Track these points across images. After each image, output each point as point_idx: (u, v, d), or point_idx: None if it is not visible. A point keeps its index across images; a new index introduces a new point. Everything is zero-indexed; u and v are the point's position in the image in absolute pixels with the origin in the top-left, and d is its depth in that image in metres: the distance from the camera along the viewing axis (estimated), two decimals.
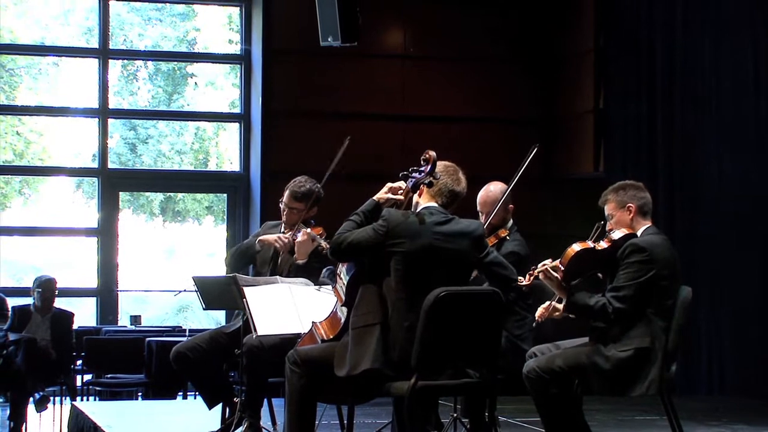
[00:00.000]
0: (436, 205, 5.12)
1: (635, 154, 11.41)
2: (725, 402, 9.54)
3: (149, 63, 13.70)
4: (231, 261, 6.57)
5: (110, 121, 12.89)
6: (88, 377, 10.92)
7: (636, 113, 11.42)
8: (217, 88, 13.71)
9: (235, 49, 13.28)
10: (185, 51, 13.68)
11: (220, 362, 6.49)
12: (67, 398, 10.44)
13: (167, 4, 13.57)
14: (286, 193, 6.56)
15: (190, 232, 14.14)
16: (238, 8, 13.10)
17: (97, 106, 12.71)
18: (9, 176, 13.42)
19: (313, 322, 5.43)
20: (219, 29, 13.67)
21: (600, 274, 5.54)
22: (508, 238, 6.29)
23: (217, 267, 12.96)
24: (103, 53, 12.73)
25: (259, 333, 5.83)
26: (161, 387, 10.42)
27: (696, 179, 10.61)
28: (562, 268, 5.30)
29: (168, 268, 14.17)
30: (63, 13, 13.33)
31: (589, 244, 5.37)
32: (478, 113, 12.85)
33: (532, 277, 5.47)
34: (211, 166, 13.88)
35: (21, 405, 10.19)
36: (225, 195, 13.30)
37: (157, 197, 13.97)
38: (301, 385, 5.04)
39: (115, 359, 10.75)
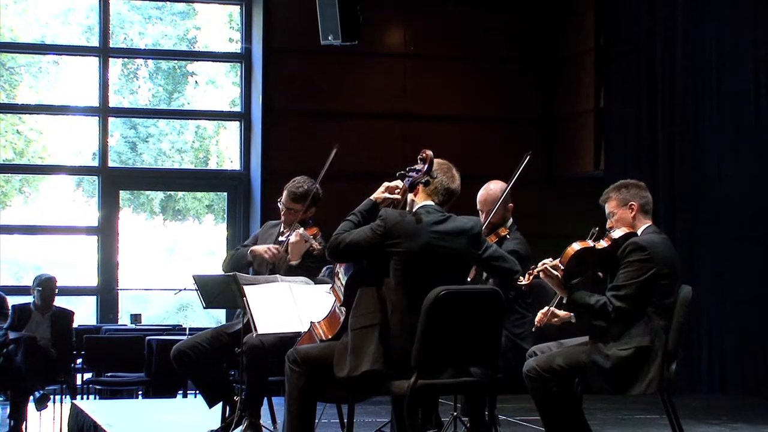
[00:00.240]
0: (432, 203, 5.11)
1: (635, 153, 11.42)
2: (725, 401, 9.53)
3: (149, 61, 13.70)
4: (227, 268, 6.57)
5: (110, 119, 12.90)
6: (88, 376, 10.93)
7: (636, 113, 11.43)
8: (218, 86, 13.71)
9: (236, 47, 13.28)
10: (186, 49, 13.68)
11: (221, 361, 6.49)
12: (67, 397, 10.45)
13: (167, 2, 13.57)
14: (285, 194, 6.56)
15: (191, 231, 14.14)
16: (239, 7, 13.11)
17: (98, 105, 12.72)
18: (9, 175, 13.42)
19: (311, 322, 5.43)
20: (219, 28, 13.67)
21: (600, 273, 5.53)
22: (508, 236, 6.30)
23: (217, 266, 12.97)
24: (104, 52, 12.74)
25: (260, 332, 5.84)
26: (161, 386, 10.43)
27: (696, 178, 10.60)
28: (562, 267, 5.30)
29: (168, 267, 14.17)
30: (63, 12, 13.33)
31: (589, 243, 5.38)
32: (479, 112, 12.86)
33: (531, 277, 5.47)
34: (212, 165, 13.88)
35: (21, 403, 10.20)
36: (225, 193, 13.31)
37: (158, 196, 13.98)
38: (301, 384, 5.04)
39: (115, 358, 10.76)
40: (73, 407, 8.37)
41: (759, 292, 9.79)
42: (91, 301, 12.73)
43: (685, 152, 10.78)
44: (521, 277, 5.55)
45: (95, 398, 10.86)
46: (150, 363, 10.56)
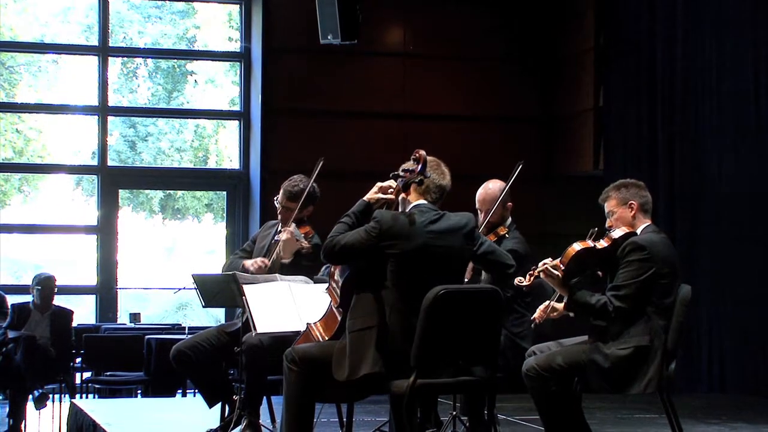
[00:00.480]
0: (425, 202, 5.10)
1: (635, 152, 11.42)
2: (725, 400, 9.53)
3: (149, 60, 13.70)
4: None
5: (110, 118, 12.89)
6: (87, 375, 10.94)
7: (636, 112, 11.43)
8: (217, 85, 13.71)
9: (235, 46, 13.28)
10: (185, 48, 13.68)
11: (221, 361, 6.49)
12: (67, 396, 10.45)
13: (167, 1, 13.57)
14: (281, 193, 6.57)
15: (190, 230, 14.14)
16: (238, 6, 13.10)
17: (97, 104, 12.71)
18: (8, 174, 13.43)
19: (307, 323, 5.42)
20: (219, 27, 13.67)
21: (600, 273, 5.53)
22: (507, 236, 6.29)
23: (216, 265, 12.98)
24: (103, 51, 12.73)
25: (259, 331, 5.83)
26: (160, 385, 10.42)
27: (696, 178, 10.60)
28: (563, 267, 5.30)
29: (167, 266, 14.18)
30: (63, 11, 13.33)
31: (590, 243, 5.37)
32: (478, 112, 12.86)
33: (532, 277, 5.47)
34: (211, 164, 13.88)
35: (20, 402, 10.20)
36: (224, 192, 13.31)
37: (157, 195, 13.98)
38: (299, 384, 5.02)
39: (115, 357, 10.76)
40: (72, 406, 8.36)
41: (759, 292, 9.78)
42: (90, 300, 12.73)
43: (684, 152, 10.78)
44: (522, 278, 5.54)
45: (94, 397, 10.85)
46: (149, 362, 10.56)
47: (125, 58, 13.53)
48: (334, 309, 5.25)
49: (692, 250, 10.23)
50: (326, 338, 5.21)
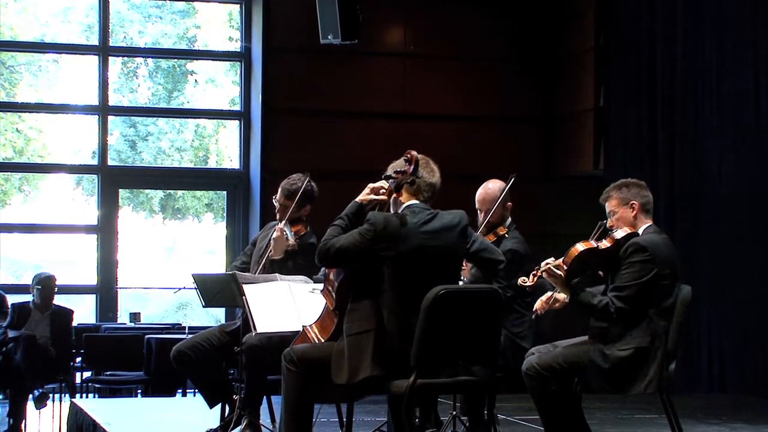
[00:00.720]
0: (417, 202, 5.09)
1: (635, 152, 11.42)
2: (725, 400, 9.53)
3: (149, 60, 13.70)
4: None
5: (110, 118, 12.89)
6: (87, 374, 10.94)
7: (636, 112, 11.43)
8: (217, 85, 13.71)
9: (235, 46, 13.28)
10: (185, 48, 13.68)
11: (221, 361, 6.49)
12: (67, 395, 10.45)
13: (167, 1, 13.57)
14: (279, 191, 6.58)
15: (190, 230, 14.14)
16: (239, 5, 13.10)
17: (97, 103, 12.72)
18: (9, 173, 13.43)
19: (303, 326, 5.42)
20: (219, 26, 13.67)
21: (601, 272, 5.52)
22: (506, 236, 6.29)
23: (216, 264, 12.98)
24: (103, 50, 12.73)
25: (259, 330, 5.83)
26: (160, 384, 10.42)
27: (696, 178, 10.60)
28: (566, 267, 5.29)
29: (168, 266, 14.17)
30: (63, 11, 13.33)
31: (593, 243, 5.36)
32: (479, 112, 12.86)
33: (536, 277, 5.45)
34: (211, 164, 13.88)
35: (20, 402, 10.20)
36: (225, 192, 13.31)
37: (157, 194, 13.98)
38: (298, 384, 5.02)
39: (115, 356, 10.76)
40: (73, 406, 8.37)
41: (759, 292, 9.79)
42: (90, 300, 12.73)
43: (685, 152, 10.78)
44: (525, 278, 5.54)
45: (94, 397, 10.86)
46: (149, 362, 10.56)
47: (125, 58, 13.53)
48: (330, 311, 5.24)
49: (692, 250, 10.23)
50: (322, 340, 5.21)
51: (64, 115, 13.26)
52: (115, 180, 12.86)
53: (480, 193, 6.43)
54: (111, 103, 12.86)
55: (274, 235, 6.37)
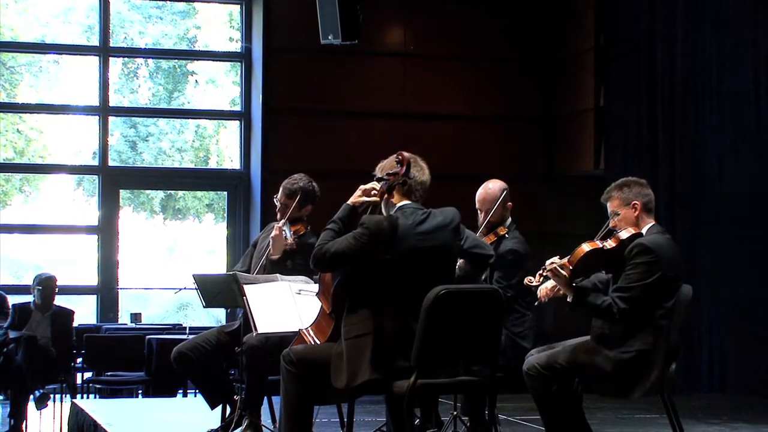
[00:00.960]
0: (409, 202, 5.07)
1: (635, 152, 11.42)
2: (725, 400, 9.54)
3: (150, 61, 13.71)
4: None
5: (111, 118, 12.90)
6: (88, 375, 10.93)
7: (636, 111, 11.43)
8: (218, 85, 13.71)
9: (236, 46, 13.28)
10: (186, 49, 13.69)
11: (221, 362, 6.49)
12: (68, 396, 10.45)
13: (168, 1, 13.57)
14: (280, 190, 6.58)
15: (191, 230, 14.14)
16: (239, 6, 13.11)
17: (98, 104, 12.72)
18: (9, 174, 13.43)
19: (299, 330, 5.42)
20: (219, 27, 13.67)
21: (604, 272, 5.52)
22: (507, 236, 6.29)
23: (217, 265, 12.99)
24: (104, 51, 12.74)
25: (259, 331, 5.83)
26: (161, 385, 10.42)
27: (696, 177, 10.60)
28: (571, 267, 5.28)
29: (168, 266, 14.18)
30: (64, 11, 13.34)
31: (598, 244, 5.34)
32: (479, 111, 12.86)
33: (542, 277, 5.44)
34: (212, 164, 13.89)
35: (21, 402, 10.20)
36: (225, 193, 13.31)
37: (158, 195, 13.98)
38: (297, 385, 5.01)
39: (116, 357, 10.76)
40: (73, 406, 8.37)
41: (759, 292, 9.79)
42: (91, 300, 12.74)
43: (685, 152, 10.79)
44: (531, 278, 5.52)
45: (95, 397, 10.86)
46: (150, 362, 10.57)
47: (126, 59, 13.54)
48: (326, 314, 5.23)
49: (692, 249, 10.23)
50: (320, 343, 5.21)
51: (65, 115, 13.26)
52: (115, 180, 12.86)
53: (480, 193, 6.43)
54: (111, 103, 12.86)
55: (273, 234, 6.37)
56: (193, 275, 6.42)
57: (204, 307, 6.55)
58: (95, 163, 12.84)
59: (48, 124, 13.42)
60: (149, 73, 13.77)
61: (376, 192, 5.09)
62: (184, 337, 9.51)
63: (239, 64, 13.13)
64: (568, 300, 5.34)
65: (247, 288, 5.91)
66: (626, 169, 11.03)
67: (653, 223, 5.47)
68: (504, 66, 12.98)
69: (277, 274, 6.19)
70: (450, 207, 5.14)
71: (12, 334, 10.30)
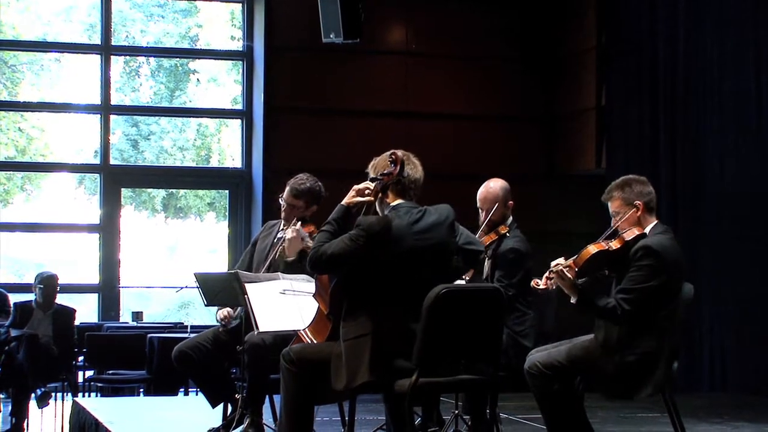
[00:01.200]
0: (403, 201, 5.05)
1: (637, 151, 11.42)
2: (727, 399, 9.54)
3: (151, 59, 13.71)
4: None
5: (112, 117, 12.90)
6: (89, 373, 10.94)
7: (638, 110, 11.43)
8: (219, 84, 13.71)
9: (237, 45, 13.28)
10: (187, 47, 13.69)
11: (223, 360, 6.49)
12: (69, 394, 10.45)
13: (169, 0, 13.57)
14: (286, 190, 6.53)
15: (192, 229, 14.15)
16: (241, 5, 13.10)
17: (99, 103, 12.72)
18: (11, 172, 13.44)
19: (297, 331, 5.41)
20: (221, 25, 13.68)
21: (607, 272, 5.50)
22: (508, 234, 6.28)
23: (219, 263, 12.99)
24: (106, 49, 12.74)
25: (261, 329, 5.82)
26: (163, 383, 10.42)
27: (698, 176, 10.60)
28: (576, 269, 5.26)
29: (170, 265, 14.19)
30: (65, 10, 13.34)
31: (604, 245, 5.32)
32: (481, 110, 12.86)
33: (549, 280, 5.41)
34: (213, 163, 13.89)
35: (23, 401, 10.20)
36: (227, 191, 13.32)
37: (159, 193, 13.99)
38: (297, 384, 5.00)
39: (117, 355, 10.76)
40: (75, 405, 8.37)
41: (760, 291, 9.79)
42: (92, 299, 12.74)
43: (686, 151, 10.79)
44: (539, 280, 5.50)
45: (97, 396, 10.86)
46: (151, 361, 10.56)
47: (128, 57, 13.54)
48: (324, 315, 5.23)
49: (694, 249, 10.22)
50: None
51: (67, 114, 13.27)
52: (117, 179, 12.87)
53: (481, 192, 6.43)
54: (113, 102, 12.86)
55: (288, 236, 6.28)
56: (195, 274, 6.41)
57: (205, 305, 6.55)
58: (97, 161, 12.84)
59: (49, 123, 13.42)
60: (151, 71, 13.77)
61: (369, 191, 5.06)
62: (186, 335, 9.51)
63: (241, 62, 13.13)
64: (572, 301, 5.33)
65: (248, 286, 5.90)
66: (627, 168, 11.00)
67: (656, 221, 5.46)
68: (506, 65, 12.98)
69: (279, 273, 6.18)
70: (444, 204, 5.12)
71: (13, 333, 10.30)
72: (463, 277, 6.15)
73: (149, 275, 13.50)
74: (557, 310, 10.31)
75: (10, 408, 10.25)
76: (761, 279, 9.78)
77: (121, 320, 12.50)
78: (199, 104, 13.68)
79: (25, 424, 10.19)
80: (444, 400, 6.21)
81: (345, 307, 4.97)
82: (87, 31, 13.23)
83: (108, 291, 12.64)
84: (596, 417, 6.82)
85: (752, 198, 9.95)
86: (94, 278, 12.70)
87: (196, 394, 9.52)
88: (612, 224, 5.47)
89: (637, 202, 5.42)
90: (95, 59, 12.84)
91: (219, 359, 6.43)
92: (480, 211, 6.38)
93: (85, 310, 12.47)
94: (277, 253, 6.37)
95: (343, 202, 5.09)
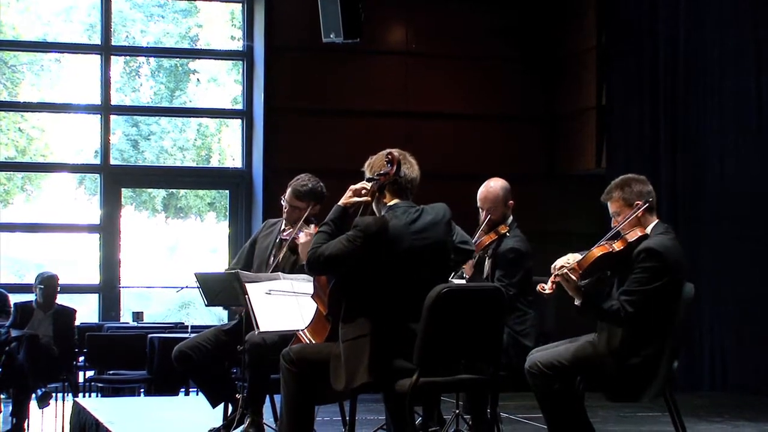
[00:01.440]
0: (400, 201, 5.04)
1: (637, 150, 11.42)
2: (727, 398, 9.54)
3: (151, 59, 13.71)
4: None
5: (112, 117, 12.90)
6: (90, 374, 10.94)
7: (638, 110, 11.44)
8: (220, 84, 13.72)
9: (238, 45, 13.29)
10: (187, 47, 13.69)
11: (223, 360, 6.49)
12: (69, 395, 10.46)
13: (169, 0, 13.57)
14: (288, 191, 6.52)
15: (193, 229, 14.15)
16: (241, 4, 13.11)
17: (100, 103, 12.73)
18: (11, 173, 13.44)
19: (295, 332, 5.41)
20: (221, 25, 13.68)
21: (608, 272, 5.49)
22: (508, 234, 6.28)
23: (219, 263, 12.99)
24: (106, 49, 12.74)
25: (261, 329, 5.82)
26: (163, 383, 10.42)
27: (698, 176, 10.61)
28: (580, 271, 5.25)
29: (170, 265, 14.19)
30: (65, 10, 13.34)
31: (608, 247, 5.31)
32: (481, 110, 12.86)
33: (554, 284, 5.38)
34: (214, 163, 13.89)
35: (23, 401, 10.20)
36: (227, 191, 13.32)
37: (160, 193, 13.99)
38: (297, 384, 5.00)
39: (117, 356, 10.76)
40: (75, 405, 8.37)
41: (760, 291, 9.80)
42: (93, 299, 12.74)
43: (686, 151, 10.79)
44: (544, 284, 5.48)
45: (97, 396, 10.86)
46: (152, 361, 10.56)
47: (128, 57, 13.54)
48: (322, 316, 5.22)
49: (694, 249, 10.22)
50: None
51: (67, 114, 13.27)
52: (117, 179, 12.87)
53: (482, 191, 6.42)
54: (113, 102, 12.87)
55: (303, 240, 6.24)
56: (195, 274, 6.41)
57: (206, 305, 6.55)
58: (97, 161, 12.85)
59: (50, 123, 13.43)
60: (151, 71, 13.78)
61: (366, 192, 5.05)
62: (186, 335, 9.51)
63: (241, 62, 13.13)
64: (576, 303, 5.31)
65: (249, 286, 5.90)
66: (628, 167, 10.96)
67: (657, 221, 5.45)
68: (506, 65, 12.98)
69: (280, 273, 6.18)
70: (440, 203, 5.11)
71: (14, 333, 10.30)
72: (464, 276, 6.16)
73: (150, 275, 13.51)
74: (557, 309, 10.31)
75: (10, 408, 10.25)
76: (761, 279, 9.79)
77: (121, 320, 12.50)
78: (200, 104, 13.68)
79: (25, 425, 10.19)
80: (444, 400, 6.22)
81: (344, 307, 4.97)
82: (87, 31, 13.23)
83: (108, 291, 12.64)
84: (597, 416, 6.83)
85: (752, 198, 9.95)
86: (94, 278, 12.70)
87: (197, 394, 9.52)
88: (612, 224, 5.46)
89: (638, 203, 5.41)
90: (95, 59, 12.85)
91: (219, 359, 6.43)
92: (480, 210, 6.37)
93: (86, 310, 12.47)
94: (282, 255, 6.38)
95: (340, 203, 5.07)
